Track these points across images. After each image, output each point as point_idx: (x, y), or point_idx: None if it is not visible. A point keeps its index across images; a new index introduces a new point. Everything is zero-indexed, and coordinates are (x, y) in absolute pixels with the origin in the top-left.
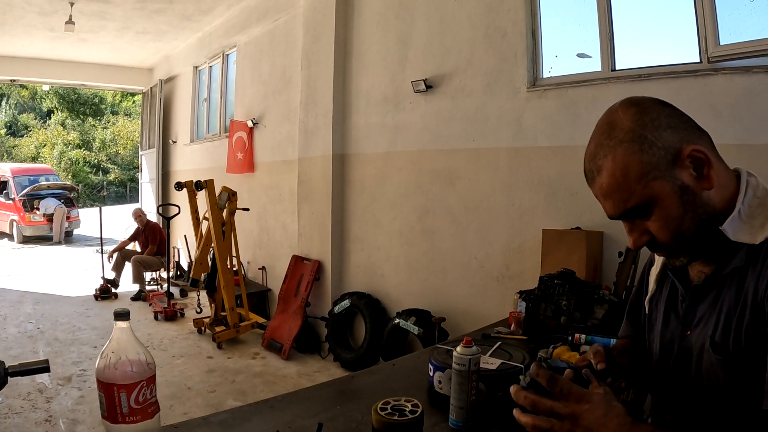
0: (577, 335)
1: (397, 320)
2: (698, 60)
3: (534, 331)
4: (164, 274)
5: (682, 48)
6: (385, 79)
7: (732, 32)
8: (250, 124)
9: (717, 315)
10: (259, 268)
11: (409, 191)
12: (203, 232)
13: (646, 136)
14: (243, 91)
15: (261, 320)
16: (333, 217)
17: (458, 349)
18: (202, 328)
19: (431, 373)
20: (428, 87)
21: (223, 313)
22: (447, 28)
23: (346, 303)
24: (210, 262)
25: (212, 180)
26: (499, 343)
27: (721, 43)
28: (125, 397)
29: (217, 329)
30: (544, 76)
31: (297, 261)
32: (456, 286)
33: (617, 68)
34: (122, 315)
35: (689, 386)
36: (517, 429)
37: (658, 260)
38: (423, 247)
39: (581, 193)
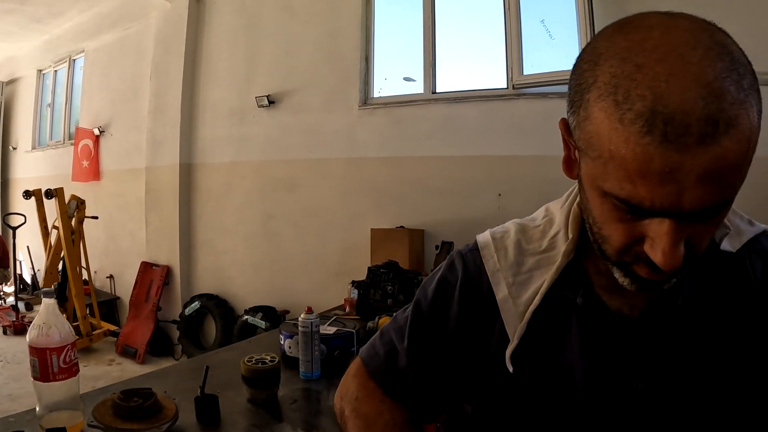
0: (386, 318)
1: (245, 317)
2: (506, 86)
3: (365, 311)
4: (7, 288)
5: (493, 75)
6: (232, 93)
7: (534, 64)
8: (96, 132)
9: (700, 353)
10: (107, 277)
11: (253, 198)
12: (52, 242)
13: (748, 97)
14: (90, 97)
15: (113, 327)
16: (181, 223)
17: (302, 316)
18: None
19: (282, 341)
20: (271, 102)
21: (75, 323)
22: (292, 49)
23: (196, 305)
24: (60, 272)
25: (62, 188)
26: (335, 317)
27: (525, 73)
28: (56, 359)
29: None
30: (375, 96)
31: (146, 267)
32: (298, 282)
33: (438, 91)
34: (49, 293)
35: None
36: None
37: (519, 290)
38: (267, 249)
39: (405, 197)
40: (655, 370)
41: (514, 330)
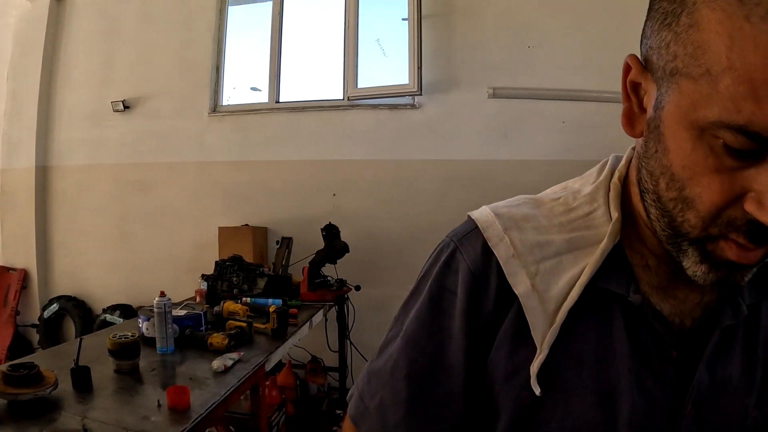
0: (245, 299)
1: (103, 316)
2: (342, 98)
3: (213, 300)
4: None
5: (331, 87)
6: (89, 97)
7: (369, 78)
8: None
9: (762, 368)
10: None
11: (108, 200)
12: None
13: None
14: None
15: None
16: (37, 226)
17: (156, 299)
18: None
19: (141, 324)
20: (126, 107)
21: None
22: (149, 56)
23: (54, 307)
24: None
25: None
26: (186, 302)
27: (358, 87)
28: None
29: None
30: (224, 104)
31: (2, 271)
32: (152, 280)
33: (281, 100)
34: None
35: None
36: (201, 349)
37: (546, 281)
38: (122, 249)
39: (250, 198)
40: (710, 395)
41: (543, 336)
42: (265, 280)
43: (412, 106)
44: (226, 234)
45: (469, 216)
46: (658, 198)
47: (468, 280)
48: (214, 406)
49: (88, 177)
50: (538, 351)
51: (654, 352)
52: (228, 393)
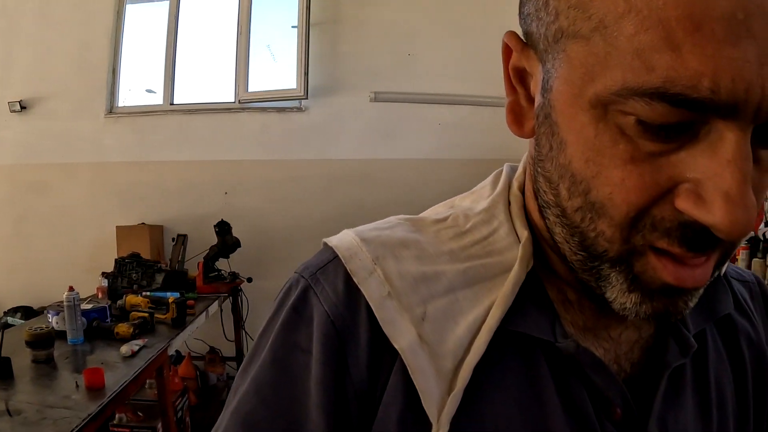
0: (131, 296)
1: (4, 319)
2: (233, 101)
3: (114, 295)
4: None
5: (224, 90)
6: None
7: (260, 82)
8: None
9: (717, 407)
10: None
11: (4, 202)
12: None
13: None
14: None
15: None
16: None
17: (66, 294)
18: None
19: (50, 319)
20: (23, 108)
21: None
22: (47, 57)
23: None
24: None
25: None
26: (89, 298)
27: (249, 90)
28: None
29: None
30: (120, 105)
31: None
32: (52, 281)
33: (175, 102)
34: None
35: None
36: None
37: (438, 329)
38: (20, 251)
39: (146, 197)
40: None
41: (440, 407)
42: (163, 275)
43: (299, 109)
44: (123, 233)
45: (325, 243)
46: (563, 211)
47: (327, 333)
48: (125, 383)
49: None
50: (433, 426)
51: (593, 412)
52: (137, 372)
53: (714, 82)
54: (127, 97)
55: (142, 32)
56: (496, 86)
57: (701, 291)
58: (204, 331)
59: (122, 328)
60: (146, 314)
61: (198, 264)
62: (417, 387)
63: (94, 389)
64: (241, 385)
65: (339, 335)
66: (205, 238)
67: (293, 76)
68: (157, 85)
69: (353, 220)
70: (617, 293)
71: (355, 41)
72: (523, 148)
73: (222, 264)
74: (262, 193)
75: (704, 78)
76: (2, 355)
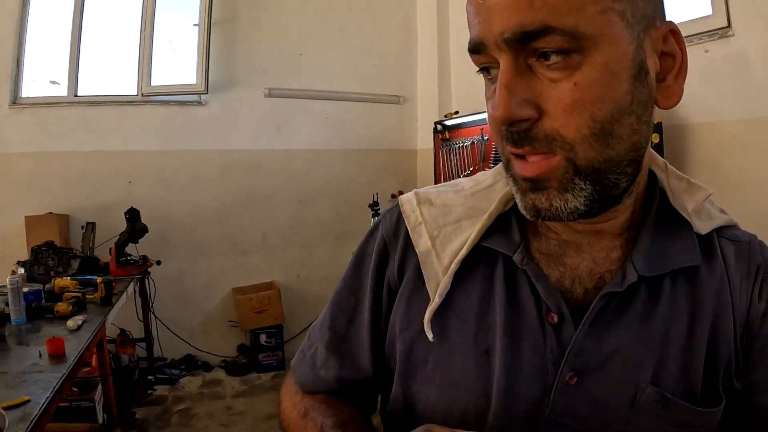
0: (59, 279)
1: None
2: (136, 93)
3: (33, 282)
4: None
5: (127, 82)
6: None
7: (162, 75)
8: None
9: (660, 342)
10: None
11: None
12: None
13: None
14: None
15: None
16: None
17: (9, 277)
18: None
19: None
20: None
21: None
22: None
23: None
24: None
25: None
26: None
27: (152, 84)
28: None
29: None
30: (23, 95)
31: None
32: None
33: (79, 94)
34: None
35: None
36: (49, 317)
37: (444, 242)
38: None
39: (49, 188)
40: (596, 364)
41: (436, 287)
42: (78, 261)
43: (199, 103)
44: (32, 222)
45: (398, 197)
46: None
47: (380, 244)
48: (82, 351)
49: None
50: (431, 299)
51: (533, 314)
52: (89, 341)
53: (475, 37)
54: (30, 88)
55: (47, 22)
56: (374, 84)
57: (564, 195)
58: (113, 314)
59: (62, 307)
60: (79, 294)
61: (111, 249)
62: (424, 275)
63: (57, 356)
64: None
65: (386, 247)
66: (111, 226)
67: (193, 71)
68: (62, 77)
69: (246, 206)
70: (517, 198)
71: (251, 40)
72: (401, 139)
73: (130, 249)
74: (163, 182)
75: (473, 38)
76: None
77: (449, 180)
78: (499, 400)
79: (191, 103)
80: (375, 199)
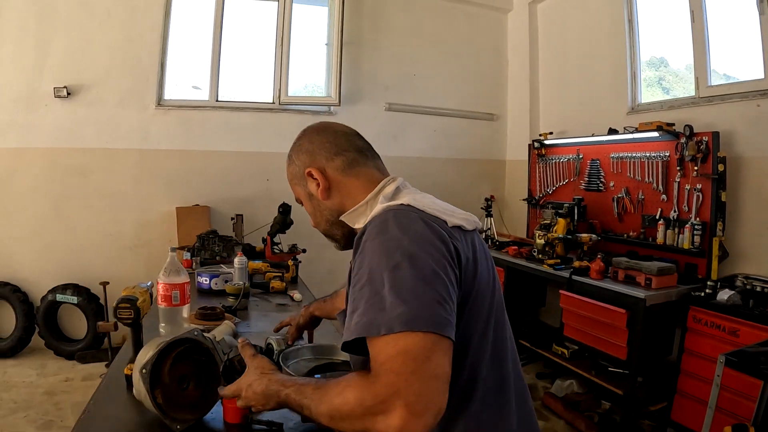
0: (251, 262)
1: (51, 296)
2: (272, 101)
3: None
4: None
5: (265, 92)
6: (18, 80)
7: (297, 87)
8: None
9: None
10: None
11: (44, 184)
12: None
13: (291, 155)
14: None
15: None
16: None
17: (237, 259)
18: None
19: (207, 281)
20: (68, 93)
21: None
22: (89, 47)
23: None
24: None
25: None
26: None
27: (289, 94)
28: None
29: None
30: (166, 98)
31: None
32: (94, 259)
33: (220, 99)
34: (173, 249)
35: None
36: (264, 292)
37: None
38: (59, 231)
39: (190, 182)
40: None
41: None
42: (240, 248)
43: (329, 113)
44: (182, 212)
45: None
46: None
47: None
48: None
49: (17, 160)
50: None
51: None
52: None
53: None
54: (173, 92)
55: (187, 32)
56: (471, 103)
57: (336, 245)
58: None
59: (276, 283)
60: (279, 274)
61: (266, 238)
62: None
63: None
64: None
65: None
66: (250, 218)
67: (322, 84)
68: (203, 82)
69: None
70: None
71: (373, 60)
72: (492, 151)
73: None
74: None
75: None
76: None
77: (543, 188)
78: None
79: (322, 112)
80: (489, 203)
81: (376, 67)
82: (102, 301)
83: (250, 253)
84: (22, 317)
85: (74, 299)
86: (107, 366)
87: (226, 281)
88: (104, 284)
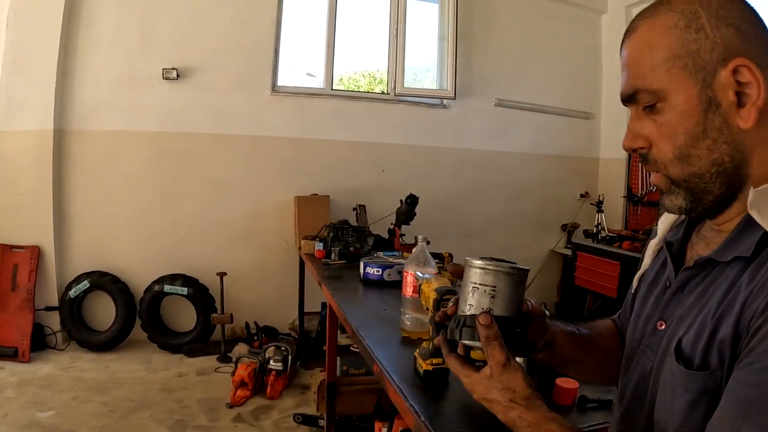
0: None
1: (157, 287)
2: (387, 92)
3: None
4: None
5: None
6: (121, 59)
7: (411, 79)
8: None
9: (697, 312)
10: None
11: (148, 169)
12: None
13: (701, 17)
14: None
15: None
16: (54, 197)
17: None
18: None
19: (367, 270)
20: (178, 76)
21: None
22: (199, 27)
23: (84, 285)
24: None
25: None
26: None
27: (405, 86)
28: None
29: None
30: (279, 84)
31: (4, 251)
32: (203, 248)
33: (334, 88)
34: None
35: (644, 394)
36: None
37: (661, 231)
38: (164, 219)
39: (303, 171)
40: (675, 316)
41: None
42: (373, 238)
43: (443, 107)
44: (303, 202)
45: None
46: None
47: (652, 233)
48: None
49: (121, 144)
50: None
51: (661, 280)
52: None
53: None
54: (286, 78)
55: (296, 16)
56: (572, 101)
57: (669, 197)
58: None
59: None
60: (441, 265)
61: (394, 229)
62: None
63: None
64: None
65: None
66: (367, 208)
67: (432, 77)
68: (317, 69)
69: (473, 198)
70: None
71: (483, 56)
72: (587, 149)
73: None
74: (410, 173)
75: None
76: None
77: (642, 188)
78: (629, 329)
79: (436, 105)
80: (600, 199)
81: (485, 62)
82: (212, 292)
83: (381, 244)
84: (123, 309)
85: (184, 290)
86: (219, 360)
87: (399, 272)
88: (221, 275)
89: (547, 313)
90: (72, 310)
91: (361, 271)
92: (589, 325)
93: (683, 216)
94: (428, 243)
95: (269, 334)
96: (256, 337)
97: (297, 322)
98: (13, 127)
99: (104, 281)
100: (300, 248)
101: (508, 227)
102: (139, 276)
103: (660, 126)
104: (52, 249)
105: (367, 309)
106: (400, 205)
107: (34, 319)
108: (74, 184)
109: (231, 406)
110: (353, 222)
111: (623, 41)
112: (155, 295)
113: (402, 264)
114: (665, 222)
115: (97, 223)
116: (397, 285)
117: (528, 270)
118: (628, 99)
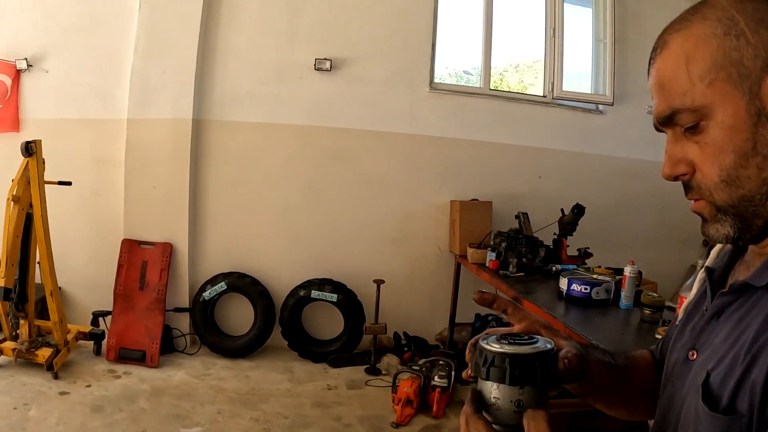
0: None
1: (304, 292)
2: (543, 95)
3: (504, 267)
4: None
5: (537, 86)
6: (267, 46)
7: (568, 83)
8: (22, 65)
9: (731, 344)
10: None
11: (294, 165)
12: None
13: (739, 22)
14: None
15: (84, 329)
16: (189, 192)
17: (629, 267)
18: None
19: (588, 290)
20: (331, 67)
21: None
22: (352, 15)
23: (220, 286)
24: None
25: (40, 141)
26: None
27: (563, 89)
28: None
29: (39, 352)
30: (436, 81)
31: (132, 246)
32: (349, 252)
33: (492, 88)
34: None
35: (669, 426)
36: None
37: (710, 259)
38: (309, 220)
39: (458, 174)
40: (707, 346)
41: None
42: (545, 249)
43: (598, 112)
44: (463, 207)
45: None
46: None
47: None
48: None
49: (265, 137)
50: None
51: (700, 307)
52: None
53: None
54: (442, 75)
55: (452, 12)
56: None
57: (714, 225)
58: None
59: (646, 298)
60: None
61: (562, 240)
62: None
63: None
64: None
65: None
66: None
67: (587, 81)
68: (474, 68)
69: (622, 208)
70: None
71: (637, 60)
72: None
73: None
74: (565, 180)
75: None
76: None
77: None
78: (667, 358)
79: (591, 111)
80: None
81: (638, 67)
82: (360, 298)
83: (551, 256)
84: (262, 313)
85: (333, 297)
86: (368, 372)
87: (607, 290)
88: (379, 282)
89: (578, 347)
90: (205, 312)
91: (564, 287)
92: (625, 356)
93: None
94: (591, 255)
95: (419, 345)
96: (406, 348)
97: (445, 333)
98: (146, 115)
99: (243, 283)
100: (462, 256)
101: (653, 241)
102: (281, 279)
103: (704, 147)
104: (185, 246)
105: (603, 335)
106: (562, 214)
107: (164, 321)
108: (212, 178)
109: (396, 425)
110: None
111: (651, 60)
112: (300, 300)
113: (609, 282)
114: (714, 249)
115: (236, 220)
116: (603, 304)
117: (551, 350)
118: (664, 122)
